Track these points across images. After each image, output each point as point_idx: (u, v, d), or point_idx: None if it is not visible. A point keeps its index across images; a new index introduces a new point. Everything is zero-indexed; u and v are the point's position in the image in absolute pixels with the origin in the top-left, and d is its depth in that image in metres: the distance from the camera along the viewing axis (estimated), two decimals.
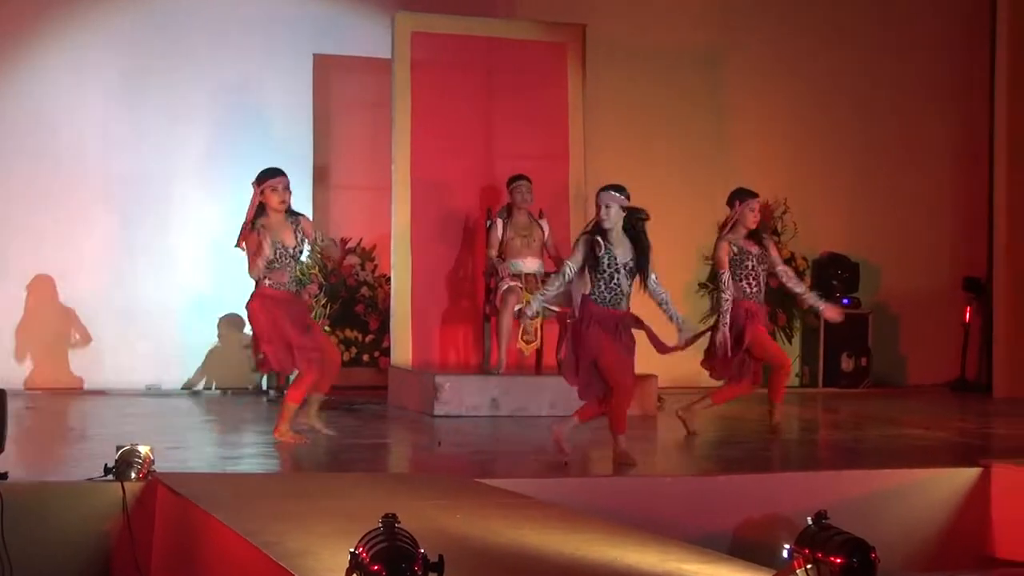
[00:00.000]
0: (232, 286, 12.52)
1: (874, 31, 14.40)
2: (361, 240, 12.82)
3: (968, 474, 7.90)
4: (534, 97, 12.32)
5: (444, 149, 11.95)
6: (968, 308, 14.38)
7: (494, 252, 11.35)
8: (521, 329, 11.10)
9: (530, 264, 11.27)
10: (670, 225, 13.68)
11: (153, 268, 12.52)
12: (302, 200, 12.73)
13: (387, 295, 12.17)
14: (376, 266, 12.79)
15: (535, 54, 12.38)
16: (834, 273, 13.84)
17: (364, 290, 12.65)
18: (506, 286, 11.09)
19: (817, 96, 14.15)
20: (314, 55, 12.94)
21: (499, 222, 11.37)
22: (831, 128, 14.23)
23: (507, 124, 12.25)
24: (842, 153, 14.24)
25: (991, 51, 14.06)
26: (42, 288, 12.33)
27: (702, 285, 13.64)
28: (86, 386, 12.30)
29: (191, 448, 8.70)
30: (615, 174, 13.14)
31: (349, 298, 12.63)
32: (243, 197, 12.50)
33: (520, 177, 11.34)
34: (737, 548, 6.87)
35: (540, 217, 11.50)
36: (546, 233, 11.43)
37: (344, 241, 12.73)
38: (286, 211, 8.82)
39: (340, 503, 6.04)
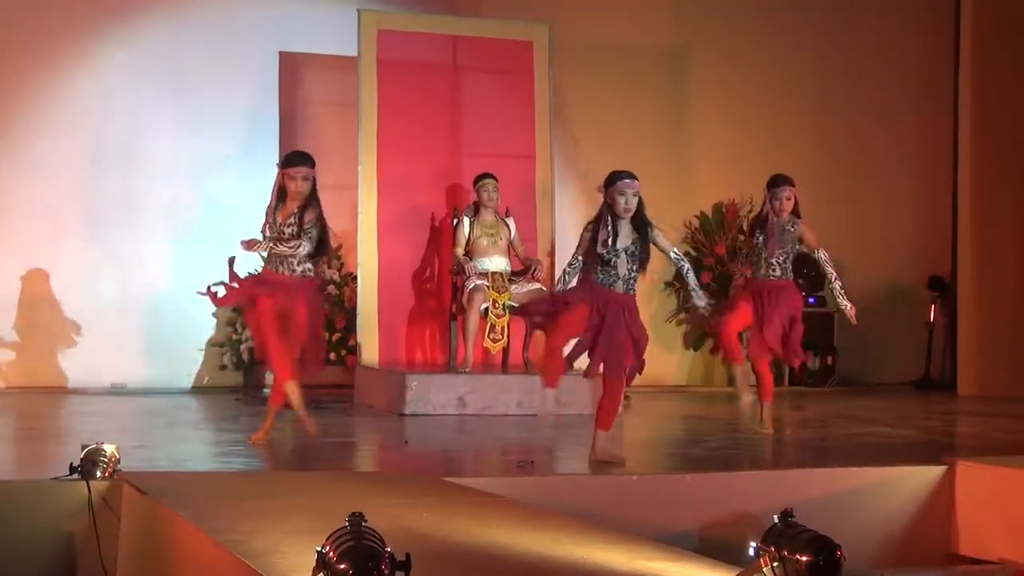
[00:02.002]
0: (199, 284, 12.51)
1: (837, 29, 14.47)
2: None
3: (933, 472, 7.94)
4: (501, 95, 12.33)
5: (410, 147, 11.94)
6: (933, 307, 14.46)
7: (460, 250, 11.35)
8: (488, 327, 11.11)
9: (496, 263, 11.28)
10: None
11: (119, 266, 12.47)
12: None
13: (354, 293, 12.15)
14: (342, 264, 12.77)
15: (501, 52, 12.39)
16: (799, 272, 13.81)
17: (330, 288, 12.62)
18: (472, 285, 11.09)
19: (781, 94, 14.20)
20: (280, 53, 12.92)
21: (466, 220, 11.37)
22: (795, 126, 14.28)
23: (474, 122, 12.25)
24: (806, 151, 14.28)
25: (955, 48, 14.14)
26: (8, 286, 12.28)
27: (668, 284, 13.67)
28: (51, 384, 12.24)
29: (157, 447, 8.67)
30: (580, 172, 13.23)
31: None
32: (209, 194, 12.56)
33: (487, 176, 11.35)
34: (704, 546, 6.88)
35: (507, 216, 11.50)
36: (512, 232, 11.45)
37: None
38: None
39: (307, 502, 6.03)
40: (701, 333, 13.73)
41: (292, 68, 12.99)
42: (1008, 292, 13.59)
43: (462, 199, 11.84)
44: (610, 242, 7.98)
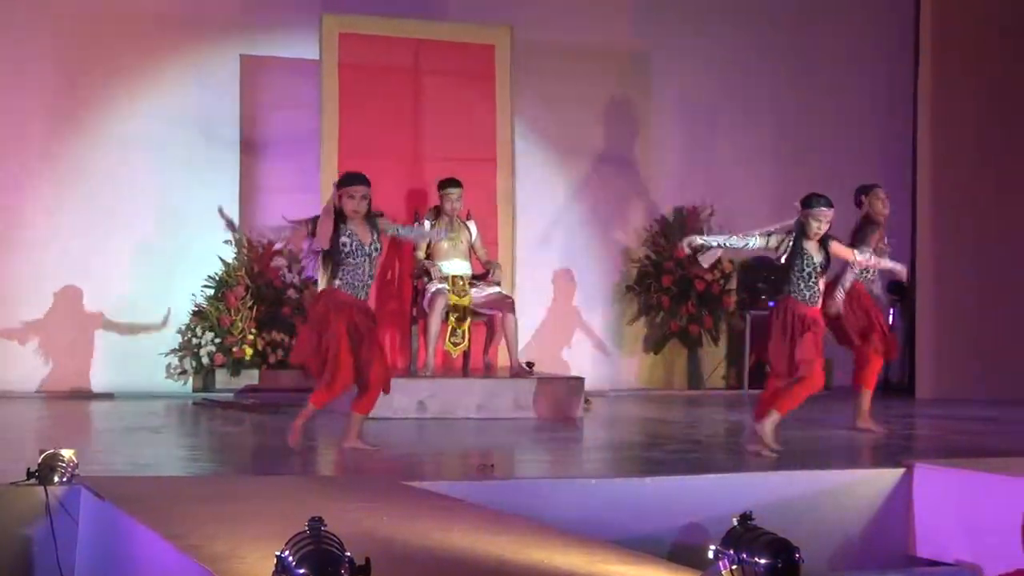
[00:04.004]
0: (158, 289, 12.47)
1: (798, 34, 14.49)
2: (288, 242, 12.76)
3: (891, 475, 7.99)
4: (462, 99, 12.32)
5: (372, 151, 11.91)
6: (892, 311, 14.52)
7: (421, 254, 11.34)
8: (449, 331, 11.11)
9: (457, 266, 11.27)
10: (597, 226, 13.77)
11: (79, 271, 12.38)
12: (229, 201, 12.72)
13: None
14: (303, 268, 12.74)
15: (463, 55, 12.39)
16: (760, 276, 13.92)
17: (291, 292, 12.60)
18: (434, 288, 11.09)
19: (741, 99, 14.23)
20: (241, 56, 12.88)
21: (427, 224, 11.36)
22: (755, 131, 14.32)
23: (435, 126, 12.25)
24: (767, 156, 14.34)
25: (915, 57, 14.21)
26: None
27: (629, 288, 13.70)
28: (9, 390, 12.15)
29: (117, 452, 8.64)
30: (542, 176, 13.24)
31: (276, 300, 12.58)
32: (170, 197, 12.49)
33: (451, 184, 11.28)
34: (664, 550, 6.90)
35: (468, 219, 11.50)
36: (473, 235, 11.44)
37: (271, 244, 12.69)
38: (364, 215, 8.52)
39: (267, 506, 6.02)
40: (662, 336, 13.74)
41: (253, 71, 12.94)
42: (966, 297, 13.66)
43: (424, 202, 11.84)
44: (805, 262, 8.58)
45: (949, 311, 13.66)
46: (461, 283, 11.21)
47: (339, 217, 8.44)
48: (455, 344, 11.18)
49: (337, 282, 8.45)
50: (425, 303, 11.12)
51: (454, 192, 11.26)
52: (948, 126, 13.75)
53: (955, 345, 13.61)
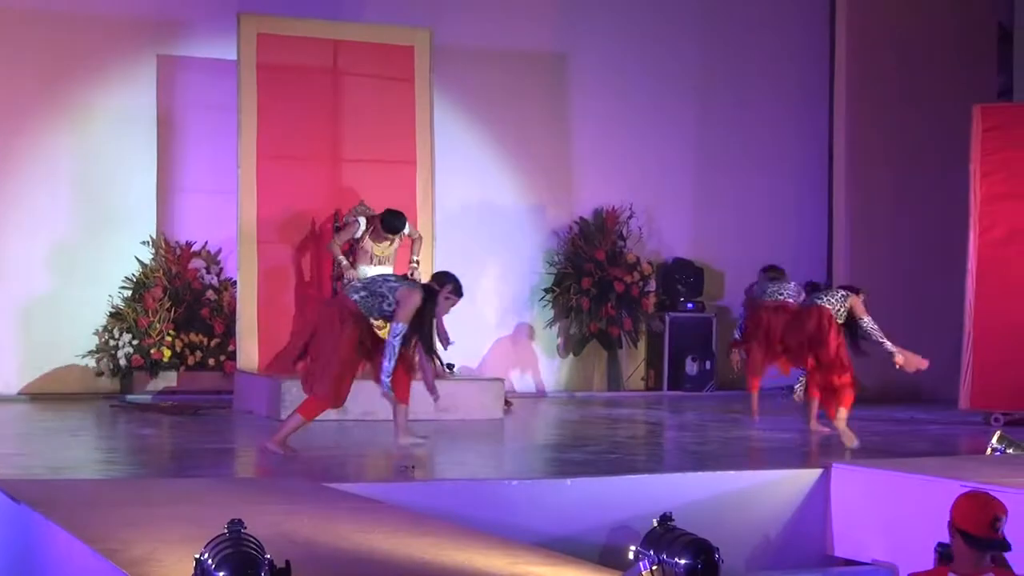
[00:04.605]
0: (73, 289, 12.34)
1: (716, 38, 14.59)
2: (206, 243, 12.69)
3: (809, 475, 8.06)
4: (382, 100, 12.28)
5: (291, 152, 11.87)
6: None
7: (338, 248, 11.24)
8: None
9: (375, 272, 11.22)
10: (515, 228, 13.79)
11: None
12: (146, 203, 12.61)
13: (233, 299, 12.07)
14: (221, 269, 12.68)
15: (383, 57, 12.34)
16: (679, 278, 14.01)
17: (209, 293, 12.53)
18: None
19: (661, 101, 14.29)
20: (158, 56, 12.77)
21: (361, 222, 11.25)
22: (675, 133, 14.39)
23: (354, 127, 12.20)
24: (686, 158, 14.41)
25: (831, 57, 14.35)
26: None
27: (549, 290, 13.72)
28: None
29: (34, 454, 8.55)
30: (461, 177, 13.23)
31: (194, 301, 12.50)
32: (87, 199, 12.36)
33: (393, 227, 11.14)
34: (585, 551, 6.91)
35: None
36: (407, 227, 11.34)
37: (189, 245, 12.60)
38: None
39: (186, 509, 5.98)
40: (582, 338, 13.76)
41: (170, 71, 12.84)
42: (882, 297, 13.77)
43: (342, 203, 11.78)
44: None
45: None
46: None
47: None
48: None
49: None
50: None
51: (394, 236, 11.22)
52: (863, 130, 13.90)
53: (870, 345, 13.70)
